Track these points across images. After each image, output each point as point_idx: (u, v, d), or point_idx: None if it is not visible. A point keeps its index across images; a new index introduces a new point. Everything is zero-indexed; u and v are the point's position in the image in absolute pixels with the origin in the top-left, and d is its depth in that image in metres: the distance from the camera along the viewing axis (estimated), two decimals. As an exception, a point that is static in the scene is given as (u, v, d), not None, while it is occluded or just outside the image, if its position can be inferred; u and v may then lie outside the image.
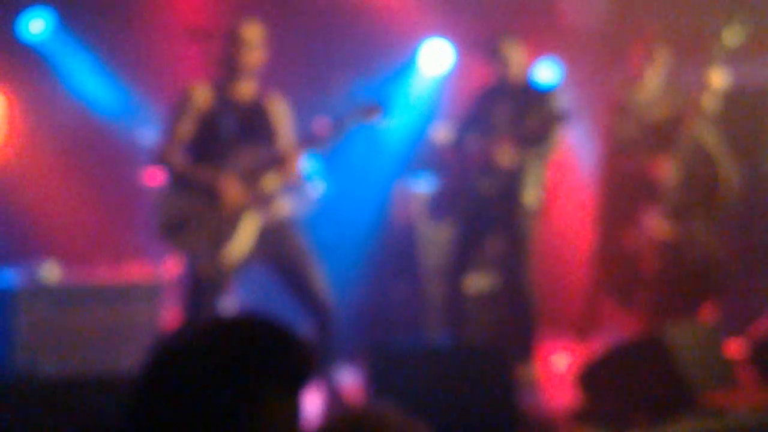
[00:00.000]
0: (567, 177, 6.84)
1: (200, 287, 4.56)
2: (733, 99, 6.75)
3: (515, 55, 5.42)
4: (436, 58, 6.84)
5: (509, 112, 5.35)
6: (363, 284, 6.05)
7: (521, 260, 5.36)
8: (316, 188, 6.39)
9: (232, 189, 4.55)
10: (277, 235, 4.68)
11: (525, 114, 5.34)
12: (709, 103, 5.50)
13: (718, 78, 5.44)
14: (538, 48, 7.41)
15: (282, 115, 4.84)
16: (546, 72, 7.37)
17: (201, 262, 4.55)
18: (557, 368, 5.66)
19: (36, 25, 6.26)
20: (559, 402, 4.69)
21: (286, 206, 4.75)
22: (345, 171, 5.90)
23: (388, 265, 5.97)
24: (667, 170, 5.57)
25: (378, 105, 4.78)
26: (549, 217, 7.10)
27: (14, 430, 3.38)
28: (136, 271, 5.68)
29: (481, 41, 5.47)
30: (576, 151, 6.49)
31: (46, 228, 6.22)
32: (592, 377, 4.64)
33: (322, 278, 4.72)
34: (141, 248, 6.07)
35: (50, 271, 5.29)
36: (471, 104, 5.59)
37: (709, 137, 5.65)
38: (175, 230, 4.54)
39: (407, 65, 6.81)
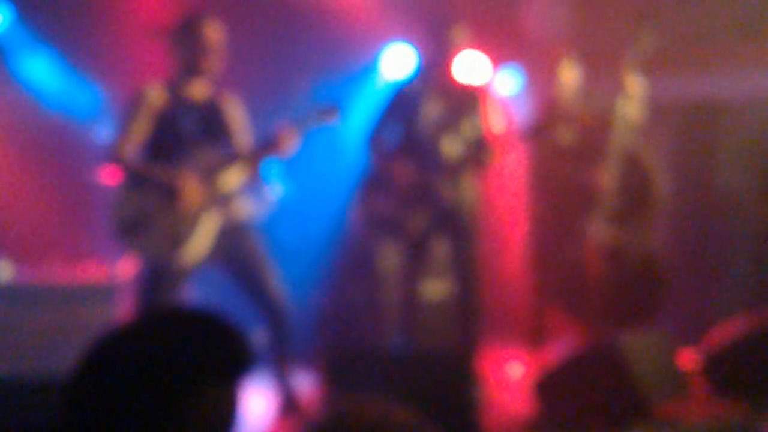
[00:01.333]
0: (516, 183, 6.89)
1: (155, 287, 4.52)
2: (689, 113, 6.91)
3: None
4: (398, 62, 6.84)
5: (440, 113, 5.26)
6: (321, 288, 6.03)
7: (466, 264, 5.29)
8: (275, 191, 6.37)
9: (190, 188, 4.51)
10: (234, 236, 4.65)
11: (458, 115, 5.27)
12: (631, 110, 5.64)
13: (634, 82, 5.57)
14: (500, 55, 7.48)
15: (238, 115, 4.82)
16: (507, 79, 7.45)
17: (157, 262, 4.50)
18: (511, 377, 5.67)
19: (-7, 20, 6.18)
20: (513, 411, 4.70)
21: (244, 207, 4.73)
22: (305, 174, 5.88)
23: (347, 269, 5.95)
24: (601, 177, 5.67)
25: (335, 106, 4.78)
26: (496, 224, 7.16)
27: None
28: (90, 271, 5.61)
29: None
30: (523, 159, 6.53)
31: (2, 226, 6.13)
32: (546, 386, 4.66)
33: (277, 280, 4.70)
34: (96, 248, 6.00)
35: (2, 270, 5.22)
36: (390, 100, 5.37)
37: (636, 144, 5.77)
38: (131, 230, 4.49)
39: (369, 69, 6.80)
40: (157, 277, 4.52)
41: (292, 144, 4.61)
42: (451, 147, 5.22)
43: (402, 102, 5.23)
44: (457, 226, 5.24)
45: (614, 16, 6.38)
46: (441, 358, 4.59)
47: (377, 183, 5.21)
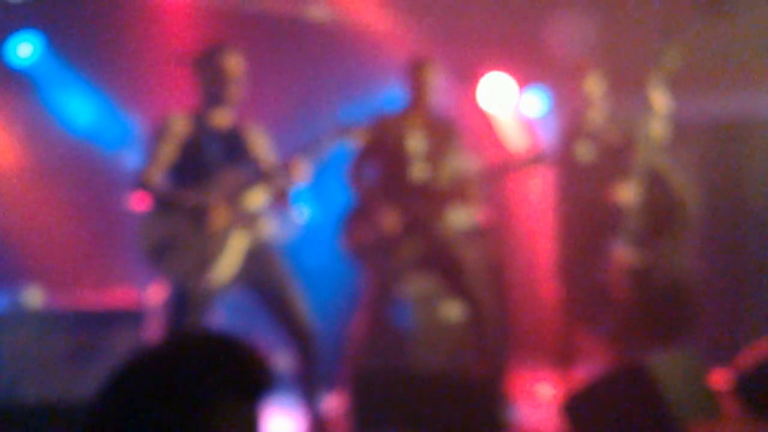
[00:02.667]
0: (544, 204, 6.87)
1: (183, 310, 4.55)
2: (719, 132, 6.88)
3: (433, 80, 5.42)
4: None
5: (422, 147, 5.35)
6: (347, 311, 6.04)
7: (466, 285, 5.29)
8: (301, 214, 6.39)
9: (216, 210, 4.57)
10: (261, 259, 4.69)
11: (439, 148, 5.36)
12: (656, 128, 5.59)
13: (660, 100, 5.54)
14: (526, 76, 7.49)
15: (261, 142, 4.89)
16: (534, 100, 7.43)
17: (186, 284, 4.54)
18: (540, 398, 5.64)
19: (24, 50, 6.26)
20: (542, 430, 4.67)
21: (269, 227, 4.78)
22: (330, 197, 5.90)
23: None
24: (626, 196, 5.63)
25: (355, 124, 4.82)
26: (524, 244, 7.15)
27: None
28: (119, 297, 5.66)
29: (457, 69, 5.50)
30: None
31: (30, 253, 6.19)
32: (575, 407, 4.62)
33: (303, 302, 4.73)
34: (126, 274, 6.04)
35: (33, 296, 5.26)
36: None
37: (662, 162, 5.72)
38: (160, 254, 4.55)
39: (394, 93, 6.82)
40: (185, 300, 4.55)
41: (303, 171, 4.68)
42: (434, 179, 5.29)
43: (382, 135, 5.30)
44: (444, 257, 5.28)
45: (639, 34, 6.39)
46: (469, 379, 4.59)
47: (360, 214, 5.29)
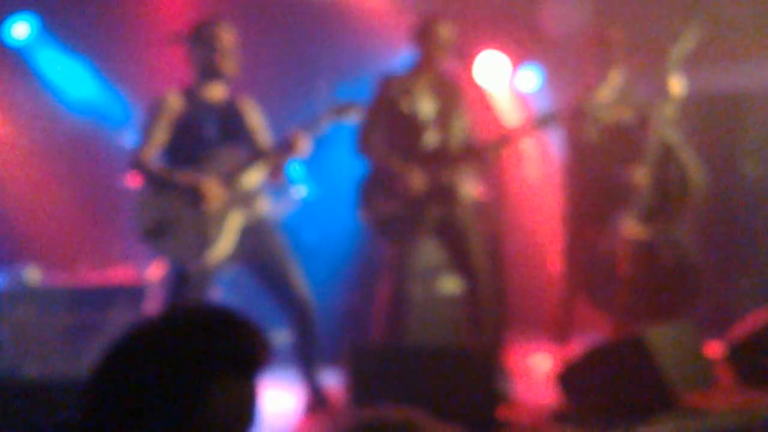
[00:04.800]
0: (543, 179, 6.89)
1: (182, 288, 4.58)
2: (712, 105, 6.90)
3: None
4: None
5: (432, 109, 5.17)
6: (346, 287, 6.07)
7: (471, 256, 5.16)
8: (300, 191, 6.43)
9: (212, 190, 4.59)
10: (257, 235, 4.71)
11: (449, 110, 5.19)
12: (671, 107, 5.62)
13: (677, 83, 5.57)
14: (520, 54, 7.52)
15: (255, 116, 4.89)
16: (528, 76, 7.50)
17: (184, 264, 4.57)
18: (537, 370, 5.69)
19: (20, 30, 6.27)
20: (539, 403, 4.71)
21: (265, 205, 4.79)
22: (329, 174, 5.93)
23: (371, 268, 6.00)
24: (637, 174, 5.65)
25: (353, 103, 4.82)
26: (526, 218, 7.17)
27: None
28: (119, 275, 5.69)
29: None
30: (552, 155, 6.55)
31: (29, 233, 6.22)
32: (571, 378, 4.66)
33: (301, 278, 4.75)
34: (125, 252, 6.08)
35: (32, 275, 5.30)
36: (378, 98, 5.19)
37: (675, 141, 5.74)
38: (155, 233, 4.57)
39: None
40: (184, 279, 4.59)
41: (305, 146, 4.66)
42: (447, 142, 5.15)
43: (391, 99, 5.13)
44: (455, 225, 5.14)
45: (638, 13, 6.41)
46: (466, 352, 4.60)
47: (376, 183, 5.10)
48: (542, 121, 5.05)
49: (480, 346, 5.01)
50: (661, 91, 5.59)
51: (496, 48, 7.20)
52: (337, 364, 4.54)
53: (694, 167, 5.75)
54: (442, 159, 5.11)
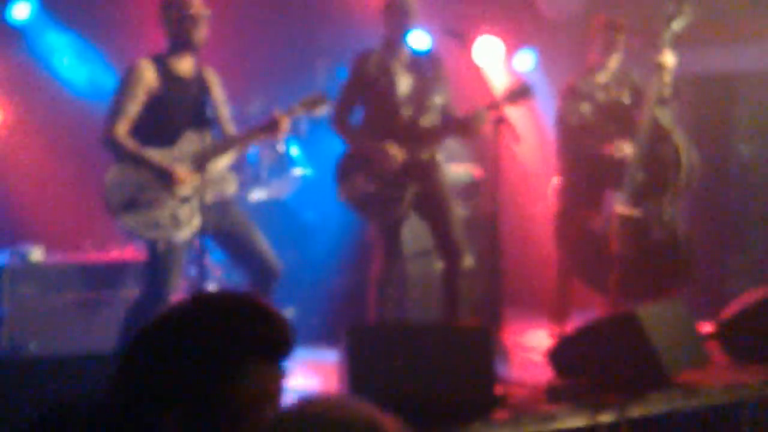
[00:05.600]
0: (540, 160, 6.93)
1: (159, 265, 4.60)
2: (703, 85, 6.96)
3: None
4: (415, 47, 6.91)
5: (409, 85, 5.16)
6: (344, 266, 6.12)
7: (450, 232, 5.16)
8: (298, 172, 6.47)
9: (185, 176, 4.60)
10: (222, 210, 4.75)
11: (426, 85, 5.18)
12: (663, 85, 5.70)
13: (669, 61, 5.65)
14: (517, 37, 7.58)
15: (220, 90, 4.89)
16: (523, 57, 7.60)
17: (155, 242, 4.59)
18: (534, 348, 5.74)
19: (21, 11, 6.28)
20: (535, 381, 4.75)
21: (233, 186, 4.82)
22: (328, 154, 5.97)
23: (370, 247, 6.05)
24: (628, 152, 5.71)
25: (322, 96, 4.85)
26: (522, 200, 7.23)
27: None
28: (122, 254, 5.72)
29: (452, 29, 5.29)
30: (548, 136, 6.60)
31: (33, 214, 6.23)
32: (565, 355, 4.72)
33: (266, 243, 4.78)
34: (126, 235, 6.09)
35: (36, 253, 5.32)
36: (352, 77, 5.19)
37: (666, 119, 5.81)
38: (127, 209, 4.55)
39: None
40: (159, 255, 4.60)
41: (283, 129, 4.69)
42: (424, 117, 5.15)
43: (367, 76, 5.12)
44: (434, 200, 5.15)
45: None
46: (464, 330, 4.62)
47: (354, 161, 5.08)
48: (518, 93, 5.05)
49: (476, 324, 5.06)
50: (655, 69, 5.67)
51: (493, 33, 7.28)
52: (335, 344, 4.58)
53: (685, 145, 5.82)
54: (419, 135, 5.11)
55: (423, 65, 5.22)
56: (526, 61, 7.59)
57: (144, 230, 4.58)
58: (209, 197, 4.69)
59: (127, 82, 4.64)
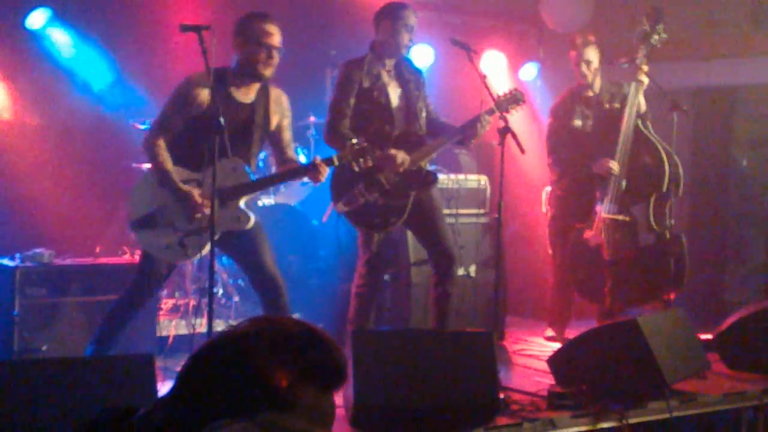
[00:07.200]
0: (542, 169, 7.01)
1: (149, 279, 4.60)
2: (703, 97, 7.05)
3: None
4: (417, 59, 6.99)
5: (400, 94, 5.15)
6: (350, 272, 6.16)
7: (441, 240, 5.15)
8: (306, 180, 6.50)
9: (206, 208, 4.41)
10: (238, 237, 4.64)
11: (414, 94, 5.17)
12: (641, 97, 5.95)
13: (645, 78, 5.88)
14: (522, 51, 7.70)
15: (283, 111, 4.74)
16: (529, 73, 7.75)
17: (161, 260, 4.58)
18: (535, 354, 5.78)
19: (37, 18, 6.32)
20: (536, 387, 4.78)
21: (252, 222, 4.64)
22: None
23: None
24: (615, 170, 5.85)
25: (370, 149, 4.67)
26: (524, 209, 7.29)
27: (7, 409, 3.41)
28: (132, 257, 5.75)
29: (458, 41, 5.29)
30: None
31: (43, 219, 6.25)
32: (566, 362, 4.75)
33: (271, 259, 4.67)
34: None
35: (46, 255, 5.35)
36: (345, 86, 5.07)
37: (648, 129, 6.00)
38: (144, 226, 4.54)
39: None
40: (154, 267, 4.59)
41: (323, 173, 4.59)
42: (417, 126, 5.15)
43: (358, 86, 5.03)
44: (427, 204, 5.14)
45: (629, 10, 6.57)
46: (467, 335, 4.62)
47: (350, 173, 4.90)
48: (510, 99, 5.11)
49: (443, 328, 5.06)
50: (632, 81, 5.91)
51: (498, 47, 7.42)
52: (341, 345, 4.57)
53: (666, 153, 5.93)
54: (414, 143, 5.11)
55: (409, 74, 5.21)
56: (530, 72, 7.76)
57: (154, 249, 4.56)
58: (219, 233, 4.46)
59: (178, 99, 4.50)
